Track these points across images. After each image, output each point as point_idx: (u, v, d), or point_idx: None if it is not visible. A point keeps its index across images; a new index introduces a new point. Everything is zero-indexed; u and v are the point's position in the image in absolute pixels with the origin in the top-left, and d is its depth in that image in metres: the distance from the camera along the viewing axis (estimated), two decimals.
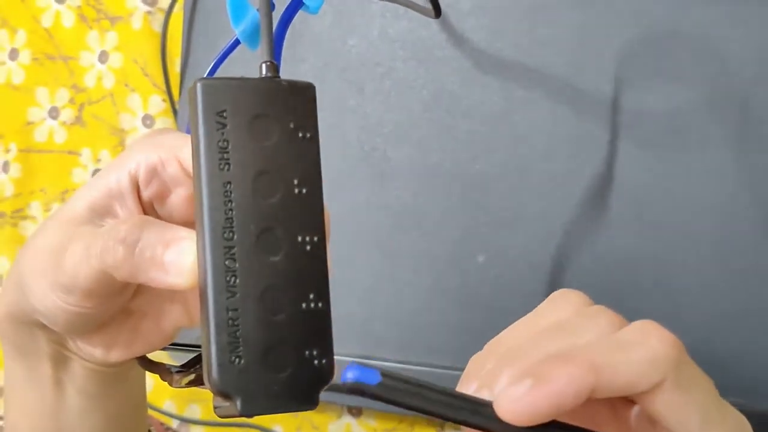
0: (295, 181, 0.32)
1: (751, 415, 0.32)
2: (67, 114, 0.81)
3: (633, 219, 0.61)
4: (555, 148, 0.63)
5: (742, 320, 0.57)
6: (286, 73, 0.35)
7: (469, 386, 0.31)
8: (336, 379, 0.32)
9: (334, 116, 0.68)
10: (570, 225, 0.62)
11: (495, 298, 0.64)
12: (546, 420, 0.29)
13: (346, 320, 0.66)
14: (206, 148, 0.31)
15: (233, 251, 0.31)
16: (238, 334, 0.30)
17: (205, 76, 0.41)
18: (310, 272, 0.32)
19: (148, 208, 0.39)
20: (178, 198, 0.39)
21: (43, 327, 0.41)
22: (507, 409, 0.29)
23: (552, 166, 0.63)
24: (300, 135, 0.32)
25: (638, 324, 0.31)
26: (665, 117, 0.60)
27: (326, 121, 0.67)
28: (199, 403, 0.77)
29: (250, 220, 0.31)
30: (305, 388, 0.31)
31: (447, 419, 0.29)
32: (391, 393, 0.28)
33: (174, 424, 0.77)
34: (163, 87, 0.78)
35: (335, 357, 0.32)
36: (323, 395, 0.31)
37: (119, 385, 0.45)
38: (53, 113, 0.82)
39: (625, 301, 0.60)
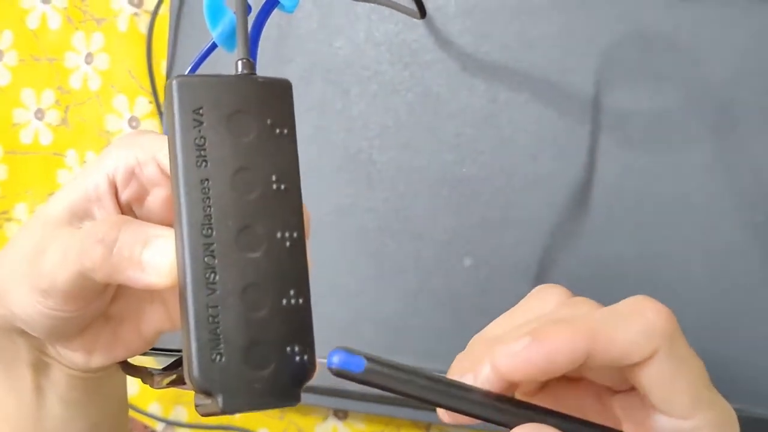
0: (274, 178, 0.32)
1: (746, 421, 0.32)
2: (53, 115, 0.81)
3: (619, 220, 0.61)
4: (541, 149, 0.63)
5: (727, 319, 0.57)
6: (271, 74, 0.35)
7: (456, 373, 0.31)
8: (320, 380, 0.32)
9: (320, 119, 0.67)
10: (556, 227, 0.62)
11: (482, 300, 0.64)
12: (540, 378, 0.29)
13: (332, 323, 0.66)
14: (183, 145, 0.31)
15: (212, 248, 0.31)
16: (218, 331, 0.30)
17: (189, 69, 0.41)
18: (290, 268, 0.32)
19: (126, 210, 0.39)
20: (156, 199, 0.39)
21: (23, 333, 0.40)
22: (503, 363, 0.29)
23: (538, 167, 0.62)
24: (277, 131, 0.32)
25: (633, 298, 0.31)
26: (649, 118, 0.60)
27: (312, 123, 0.67)
28: (185, 405, 0.77)
29: (229, 216, 0.31)
30: (287, 384, 0.31)
31: (432, 404, 0.29)
32: (375, 378, 0.28)
33: (159, 427, 0.77)
34: (149, 89, 0.77)
35: (318, 359, 0.32)
36: (309, 398, 0.31)
37: (100, 391, 0.45)
38: (39, 114, 0.81)
39: (612, 301, 0.60)
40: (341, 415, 0.72)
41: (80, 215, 0.38)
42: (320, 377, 0.33)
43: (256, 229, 0.31)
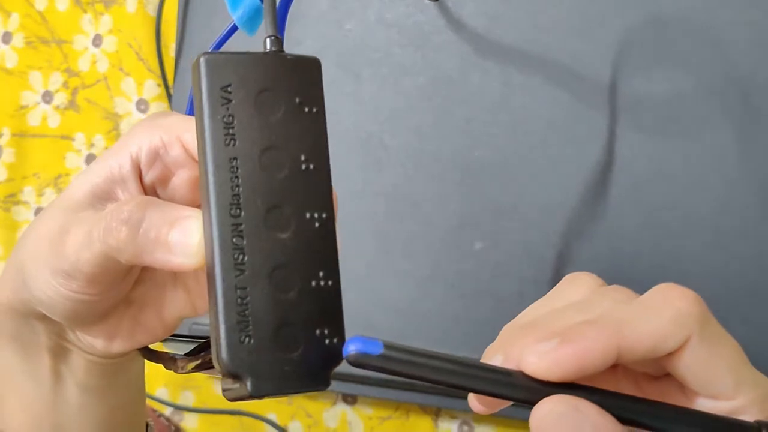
0: (303, 157, 0.31)
1: None
2: (61, 98, 0.81)
3: (633, 205, 0.60)
4: (554, 134, 0.62)
5: (744, 305, 0.57)
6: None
7: (489, 358, 0.30)
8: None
9: (330, 102, 0.66)
10: (569, 211, 0.62)
11: (493, 285, 0.63)
12: (570, 380, 0.28)
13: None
14: (211, 123, 0.31)
15: (241, 228, 0.30)
16: (247, 313, 0.30)
17: (212, 46, 0.41)
18: (319, 250, 0.31)
19: (150, 192, 0.38)
20: (181, 181, 0.38)
21: (43, 318, 0.40)
22: (532, 363, 0.28)
23: (551, 152, 0.62)
24: (306, 110, 0.32)
25: (657, 287, 0.30)
26: (665, 103, 0.60)
27: None
28: (193, 390, 0.77)
29: (258, 196, 0.31)
30: (317, 367, 0.30)
31: (454, 387, 0.28)
32: (394, 364, 0.28)
33: (167, 411, 0.76)
34: (158, 71, 0.77)
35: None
36: None
37: (119, 377, 0.44)
38: (47, 97, 0.81)
39: (627, 286, 0.60)
40: (350, 400, 0.72)
41: (103, 197, 0.37)
42: None
43: (285, 210, 0.31)
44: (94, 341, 0.41)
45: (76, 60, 0.80)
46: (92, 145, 0.80)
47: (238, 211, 0.30)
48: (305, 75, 0.32)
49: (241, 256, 0.30)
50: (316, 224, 0.31)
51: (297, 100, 0.32)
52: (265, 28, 0.33)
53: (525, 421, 0.64)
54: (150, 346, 0.43)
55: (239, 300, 0.30)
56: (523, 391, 0.28)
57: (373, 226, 0.66)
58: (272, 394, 0.30)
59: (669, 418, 0.29)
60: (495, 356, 0.30)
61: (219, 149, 0.30)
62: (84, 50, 0.80)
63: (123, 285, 0.39)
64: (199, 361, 0.40)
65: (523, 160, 0.63)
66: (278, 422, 0.73)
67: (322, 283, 0.31)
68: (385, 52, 0.66)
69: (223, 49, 0.39)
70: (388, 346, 0.28)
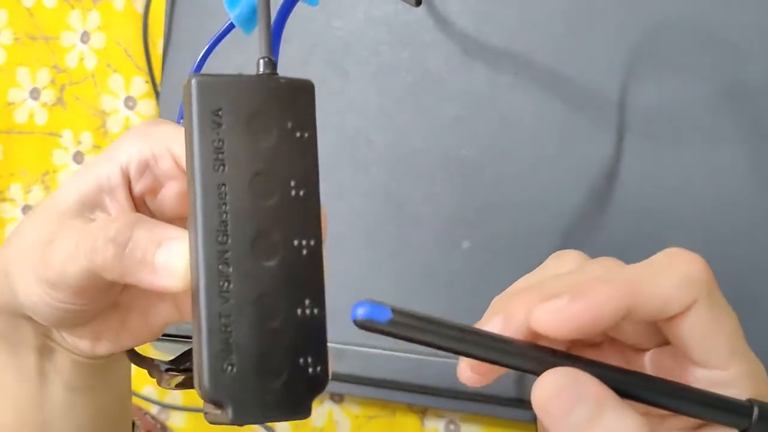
0: (292, 183, 0.31)
1: None
2: (48, 95, 0.80)
3: (622, 204, 0.60)
4: (542, 133, 0.62)
5: (745, 312, 0.57)
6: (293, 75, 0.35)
7: (486, 322, 0.30)
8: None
9: (318, 99, 0.66)
10: (557, 211, 0.62)
11: (480, 284, 0.63)
12: (581, 336, 0.28)
13: (329, 308, 0.65)
14: (200, 148, 0.30)
15: (227, 256, 0.30)
16: (231, 340, 0.30)
17: (197, 61, 0.40)
18: (306, 278, 0.31)
19: (139, 202, 0.38)
20: (171, 192, 0.38)
21: (29, 318, 0.39)
22: (544, 319, 0.28)
23: (538, 151, 0.62)
24: (298, 135, 0.32)
25: (666, 250, 0.30)
26: (652, 101, 0.60)
27: None
28: None
29: (246, 223, 0.30)
30: (299, 396, 0.31)
31: (461, 354, 0.29)
32: (402, 329, 0.27)
33: (154, 410, 0.76)
34: (146, 68, 0.76)
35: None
36: None
37: (105, 377, 0.44)
38: (34, 94, 0.81)
39: None
40: (337, 398, 0.71)
41: (91, 206, 0.37)
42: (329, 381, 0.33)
43: (273, 237, 0.31)
44: (79, 342, 0.41)
45: (64, 56, 0.80)
46: (80, 142, 0.79)
47: (225, 238, 0.30)
48: (298, 99, 0.32)
49: (226, 284, 0.30)
50: (304, 251, 0.31)
51: (289, 124, 0.31)
52: (259, 48, 0.32)
53: (510, 420, 0.64)
54: (139, 347, 0.43)
55: (223, 327, 0.30)
56: (529, 361, 0.28)
57: (360, 225, 0.66)
58: (253, 422, 0.30)
59: (667, 393, 0.29)
60: (493, 318, 0.30)
61: (208, 175, 0.30)
62: (72, 47, 0.80)
63: (110, 295, 0.39)
64: (181, 379, 0.40)
65: (510, 159, 0.62)
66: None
67: (307, 311, 0.31)
68: (373, 50, 0.66)
69: (216, 53, 0.39)
70: (397, 311, 0.27)
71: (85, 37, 0.79)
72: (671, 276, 0.29)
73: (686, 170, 0.59)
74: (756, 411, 0.29)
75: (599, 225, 0.61)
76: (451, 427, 0.69)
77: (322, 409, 0.72)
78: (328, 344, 0.31)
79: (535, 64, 0.62)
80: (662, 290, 0.28)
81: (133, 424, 0.53)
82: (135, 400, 0.76)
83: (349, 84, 0.66)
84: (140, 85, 0.78)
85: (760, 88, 0.58)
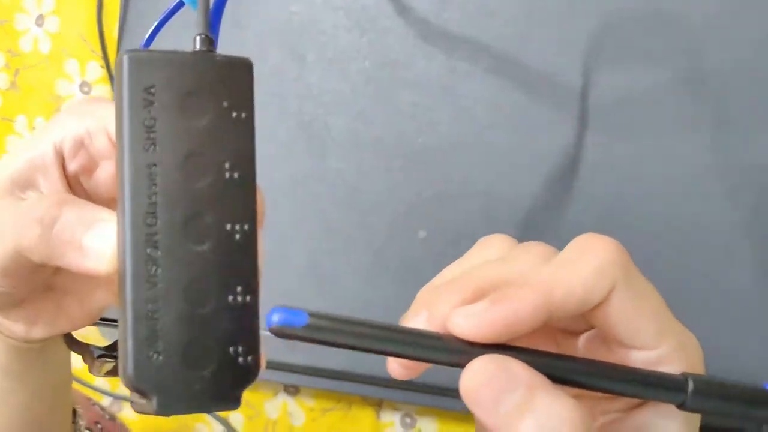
0: (227, 165, 0.30)
1: None
2: (2, 79, 0.79)
3: (579, 193, 0.59)
4: (500, 121, 0.61)
5: (712, 309, 0.57)
6: (226, 40, 0.33)
7: (411, 318, 0.29)
8: (272, 353, 0.31)
9: (274, 85, 0.66)
10: (514, 200, 0.61)
11: (436, 273, 0.62)
12: (500, 341, 0.27)
13: (282, 296, 0.64)
14: (131, 126, 0.29)
15: (156, 239, 0.29)
16: (157, 327, 0.29)
17: (145, 38, 0.39)
18: (239, 263, 0.30)
19: (73, 182, 0.37)
20: (106, 172, 0.37)
21: None
22: (461, 324, 0.27)
23: (496, 139, 0.61)
24: (234, 115, 0.30)
25: (577, 239, 0.30)
26: (611, 90, 0.59)
27: (266, 89, 0.66)
28: None
29: (176, 205, 0.29)
30: (228, 386, 0.30)
31: (384, 354, 0.28)
32: (320, 333, 0.27)
33: (106, 401, 0.75)
34: (101, 53, 0.75)
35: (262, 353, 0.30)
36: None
37: (41, 362, 0.43)
38: None
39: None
40: (292, 390, 0.70)
41: (23, 184, 0.36)
42: (272, 351, 0.32)
43: (205, 220, 0.30)
44: (13, 326, 0.39)
45: (18, 40, 0.78)
46: (34, 127, 0.78)
47: (154, 220, 0.29)
48: (235, 77, 0.31)
49: (154, 268, 0.29)
50: (237, 236, 0.30)
51: (225, 104, 0.30)
52: (196, 24, 0.31)
53: (467, 413, 0.63)
54: (75, 333, 0.41)
55: (150, 314, 0.29)
56: (454, 355, 0.27)
57: (316, 212, 0.65)
58: (178, 413, 0.29)
59: (600, 375, 0.28)
60: (418, 315, 0.29)
61: (137, 154, 0.29)
62: (26, 30, 0.78)
63: (40, 277, 0.38)
64: (111, 367, 0.39)
65: (467, 147, 0.62)
66: (219, 413, 0.72)
67: (239, 298, 0.30)
68: (331, 35, 0.65)
69: (162, 36, 0.38)
70: (313, 315, 0.26)
71: (39, 21, 0.77)
72: (586, 266, 0.28)
73: (644, 158, 0.58)
74: (691, 384, 0.28)
75: (557, 214, 0.60)
76: (407, 420, 0.68)
77: (276, 402, 0.70)
78: (261, 333, 0.30)
79: (494, 51, 0.61)
80: (579, 283, 0.28)
81: (75, 411, 0.52)
82: (87, 391, 0.74)
83: (306, 70, 0.65)
84: (95, 69, 0.76)
85: (718, 75, 0.57)
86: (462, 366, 0.27)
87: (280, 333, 0.26)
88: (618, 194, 0.58)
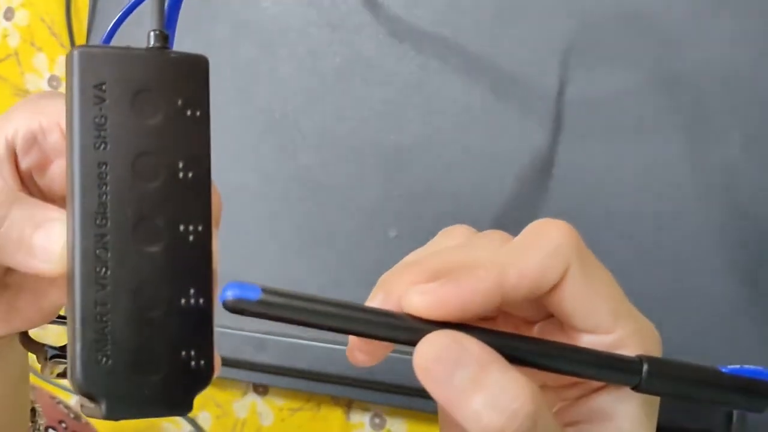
0: (181, 164, 0.29)
1: None
2: None
3: (551, 194, 0.59)
4: (471, 120, 0.61)
5: (681, 307, 0.56)
6: (195, 35, 0.33)
7: (369, 302, 0.29)
8: (240, 353, 0.30)
9: (244, 81, 0.65)
10: (485, 200, 0.60)
11: None
12: (453, 320, 0.27)
13: None
14: (80, 124, 0.28)
15: (106, 239, 0.28)
16: (106, 331, 0.28)
17: (106, 31, 0.38)
18: (192, 265, 0.29)
19: (26, 178, 0.36)
20: (60, 169, 0.36)
21: None
22: (415, 301, 0.27)
23: (467, 138, 0.61)
24: (189, 113, 0.30)
25: (531, 225, 0.30)
26: (583, 90, 0.59)
27: (236, 85, 0.65)
28: None
29: (127, 205, 0.29)
30: (179, 391, 0.29)
31: (339, 331, 0.27)
32: (273, 309, 0.26)
33: (73, 399, 0.74)
34: (70, 47, 0.74)
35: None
36: (228, 372, 0.29)
37: None
38: None
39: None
40: (261, 390, 0.70)
41: None
42: (239, 350, 0.31)
43: (156, 221, 0.29)
44: None
45: None
46: None
47: (104, 221, 0.28)
48: (190, 75, 0.30)
49: (103, 270, 0.28)
50: (191, 237, 0.29)
51: (179, 102, 0.30)
52: (151, 20, 0.31)
53: (436, 414, 0.63)
54: (33, 331, 0.40)
55: (98, 317, 0.28)
56: (408, 332, 0.27)
57: (285, 210, 0.64)
58: (128, 418, 0.29)
59: (556, 356, 0.29)
60: (375, 297, 0.29)
61: (87, 153, 0.28)
62: None
63: None
64: (63, 369, 0.38)
65: (438, 145, 0.61)
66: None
67: (192, 301, 0.29)
68: (301, 31, 0.64)
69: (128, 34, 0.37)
70: (266, 290, 0.26)
71: (8, 14, 0.76)
72: (539, 249, 0.29)
73: (616, 158, 0.58)
74: (645, 366, 0.28)
75: (529, 214, 0.60)
76: (377, 420, 0.67)
77: (244, 401, 0.70)
78: (235, 333, 0.30)
79: (465, 49, 0.61)
80: (533, 266, 0.28)
81: (34, 410, 0.51)
82: (51, 388, 0.73)
83: (276, 66, 0.65)
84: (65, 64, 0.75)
85: (692, 76, 0.57)
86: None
87: (233, 307, 0.26)
88: (589, 194, 0.58)
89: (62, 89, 0.73)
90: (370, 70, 0.63)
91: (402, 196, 0.62)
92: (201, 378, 0.29)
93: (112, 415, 0.28)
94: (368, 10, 0.63)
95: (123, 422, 0.29)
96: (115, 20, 0.38)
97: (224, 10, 0.66)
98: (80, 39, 0.73)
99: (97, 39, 0.69)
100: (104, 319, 0.28)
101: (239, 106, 0.65)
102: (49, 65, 0.75)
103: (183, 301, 0.29)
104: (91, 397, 0.28)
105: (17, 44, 0.76)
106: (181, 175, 0.29)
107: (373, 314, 0.28)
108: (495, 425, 0.26)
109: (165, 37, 0.30)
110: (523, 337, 0.29)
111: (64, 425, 0.62)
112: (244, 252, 0.64)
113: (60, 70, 0.75)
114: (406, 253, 0.61)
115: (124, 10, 0.38)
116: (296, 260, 0.64)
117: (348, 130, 0.63)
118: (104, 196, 0.28)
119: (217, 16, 0.66)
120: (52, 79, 0.75)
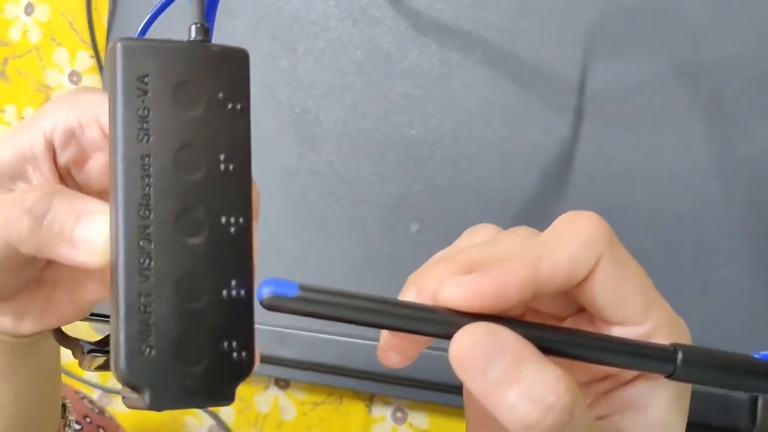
0: (222, 157, 0.29)
1: None
2: None
3: (573, 186, 0.59)
4: (493, 113, 0.60)
5: (704, 300, 0.56)
6: (216, 29, 0.33)
7: (401, 297, 0.29)
8: (263, 347, 0.30)
9: (265, 76, 0.65)
10: (506, 192, 0.60)
11: None
12: (488, 311, 0.27)
13: None
14: (124, 116, 0.28)
15: (149, 231, 0.28)
16: (150, 321, 0.28)
17: (140, 28, 0.38)
18: (233, 257, 0.29)
19: (64, 174, 0.36)
20: (98, 164, 0.36)
21: None
22: (451, 294, 0.27)
23: (489, 132, 0.60)
24: (230, 106, 0.30)
25: (561, 217, 0.30)
26: (606, 82, 0.58)
27: (257, 80, 0.64)
28: None
29: (170, 197, 0.29)
30: (221, 382, 0.29)
31: (375, 326, 0.27)
32: (311, 305, 0.26)
33: (96, 394, 0.74)
34: (90, 42, 0.74)
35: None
36: None
37: (30, 357, 0.42)
38: None
39: None
40: (283, 384, 0.70)
41: (13, 176, 0.35)
42: (261, 344, 0.31)
43: (198, 213, 0.29)
44: (1, 320, 0.39)
45: (7, 29, 0.77)
46: (23, 117, 0.77)
47: (147, 212, 0.28)
48: (231, 68, 0.30)
49: (147, 261, 0.28)
50: (232, 229, 0.29)
51: (220, 95, 0.30)
52: (191, 13, 0.31)
53: (458, 407, 0.63)
54: (65, 328, 0.41)
55: (142, 308, 0.28)
56: (445, 326, 0.27)
57: (306, 204, 0.64)
58: (171, 408, 0.29)
59: (590, 345, 0.28)
60: (407, 292, 0.29)
61: (131, 145, 0.28)
62: (15, 19, 0.77)
63: (30, 270, 0.37)
64: (102, 361, 0.38)
65: (460, 139, 0.61)
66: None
67: (233, 293, 0.29)
68: (322, 25, 0.64)
69: (158, 26, 0.37)
70: (303, 287, 0.26)
71: (29, 9, 0.77)
72: (572, 240, 0.28)
73: (639, 150, 0.58)
74: (680, 355, 0.28)
75: (551, 207, 0.59)
76: (398, 414, 0.67)
77: (267, 395, 0.70)
78: (256, 327, 0.30)
79: (487, 42, 0.60)
80: (567, 257, 0.28)
81: (64, 406, 0.51)
82: (78, 384, 0.74)
83: (297, 60, 0.64)
84: (85, 59, 0.75)
85: (714, 68, 0.56)
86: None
87: (270, 305, 0.26)
88: (612, 186, 0.58)
89: (83, 84, 0.73)
90: (391, 64, 0.62)
91: (423, 190, 0.62)
92: (242, 369, 0.29)
93: (155, 405, 0.28)
94: (389, 3, 0.62)
95: (146, 417, 0.30)
96: (150, 13, 0.38)
97: (244, 4, 0.66)
98: (100, 34, 0.73)
99: (118, 34, 0.69)
100: (148, 310, 0.28)
101: (260, 101, 0.65)
102: (69, 60, 0.75)
103: (225, 292, 0.29)
104: (134, 388, 0.28)
105: (38, 40, 0.76)
106: (222, 167, 0.29)
107: (410, 309, 0.27)
108: (531, 418, 0.25)
109: (206, 30, 0.31)
110: (558, 328, 0.29)
111: (88, 420, 0.62)
112: (265, 247, 0.64)
113: (79, 65, 0.75)
114: (428, 248, 0.60)
115: (160, 3, 0.38)
116: (317, 255, 0.64)
117: (369, 124, 0.63)
118: (147, 188, 0.29)
119: (236, 11, 0.66)
120: (73, 75, 0.76)
